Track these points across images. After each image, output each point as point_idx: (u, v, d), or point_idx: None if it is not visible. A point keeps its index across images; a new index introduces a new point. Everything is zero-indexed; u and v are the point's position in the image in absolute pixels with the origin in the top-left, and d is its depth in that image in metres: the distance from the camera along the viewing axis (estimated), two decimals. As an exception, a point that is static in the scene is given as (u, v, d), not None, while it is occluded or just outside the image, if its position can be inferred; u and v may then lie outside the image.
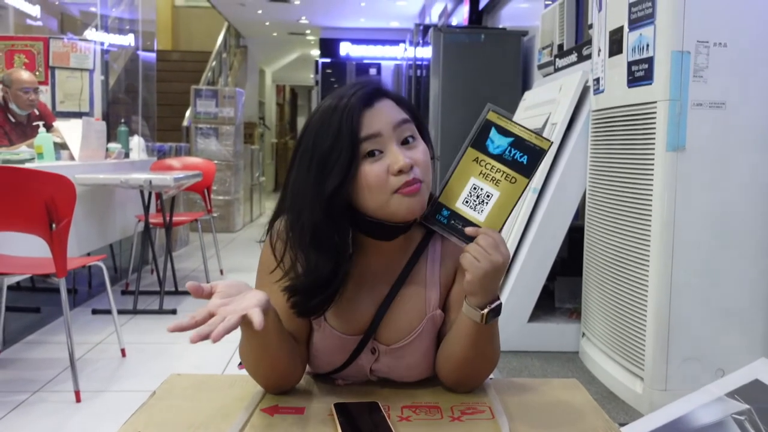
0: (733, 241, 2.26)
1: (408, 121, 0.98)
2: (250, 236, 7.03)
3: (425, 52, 7.04)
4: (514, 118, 0.95)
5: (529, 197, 3.05)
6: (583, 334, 2.91)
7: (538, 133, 0.93)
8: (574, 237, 3.09)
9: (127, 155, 4.39)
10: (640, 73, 2.32)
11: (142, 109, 6.20)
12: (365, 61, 10.99)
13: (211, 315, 0.86)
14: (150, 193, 3.83)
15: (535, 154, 0.92)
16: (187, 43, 11.48)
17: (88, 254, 3.59)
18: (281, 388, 1.02)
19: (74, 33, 6.03)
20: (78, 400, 2.46)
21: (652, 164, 2.27)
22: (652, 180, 2.27)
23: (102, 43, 5.36)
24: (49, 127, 3.84)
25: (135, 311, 3.71)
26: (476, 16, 6.84)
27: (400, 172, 0.93)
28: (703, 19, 2.17)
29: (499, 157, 0.93)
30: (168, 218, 3.99)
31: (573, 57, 3.47)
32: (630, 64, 2.37)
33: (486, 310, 0.93)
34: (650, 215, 2.28)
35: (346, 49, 11.14)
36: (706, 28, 2.17)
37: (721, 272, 2.26)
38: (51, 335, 3.28)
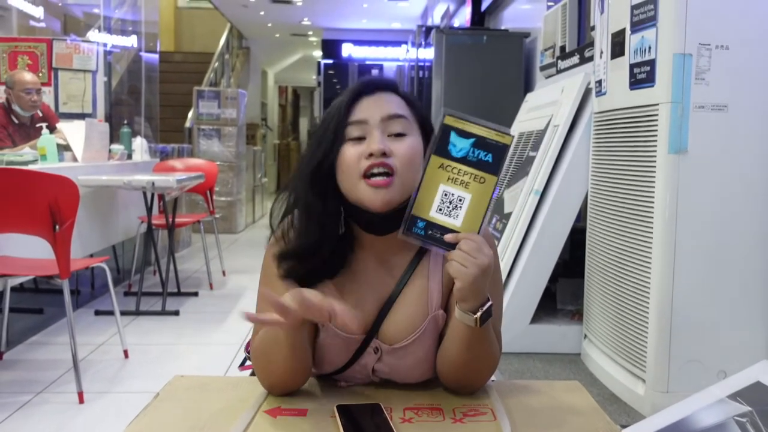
0: (735, 244, 2.26)
1: (401, 117, 1.00)
2: (253, 237, 7.04)
3: (427, 54, 7.04)
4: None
5: (531, 199, 3.05)
6: (585, 336, 2.91)
7: (497, 128, 0.92)
8: (576, 239, 3.09)
9: (129, 156, 4.40)
10: (642, 76, 2.32)
11: (145, 111, 6.21)
12: (367, 63, 11.00)
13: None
14: (153, 195, 3.84)
15: (499, 151, 0.92)
16: (189, 44, 11.49)
17: (91, 255, 3.60)
18: (288, 390, 1.03)
19: (77, 34, 6.04)
20: (81, 401, 2.47)
21: (654, 166, 2.27)
22: (654, 182, 2.27)
23: (105, 45, 5.37)
24: (52, 129, 3.85)
25: (138, 312, 3.72)
26: (478, 17, 6.84)
27: (371, 155, 0.96)
28: (705, 22, 2.17)
29: (463, 160, 0.92)
30: (170, 219, 4.00)
31: (575, 59, 3.47)
32: (632, 66, 2.38)
33: (479, 314, 0.93)
34: (652, 217, 2.28)
35: (348, 50, 11.15)
36: (708, 30, 2.18)
37: (723, 274, 2.26)
38: (54, 336, 3.29)
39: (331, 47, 11.22)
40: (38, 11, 6.42)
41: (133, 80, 6.31)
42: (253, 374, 1.09)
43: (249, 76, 11.98)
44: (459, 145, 0.92)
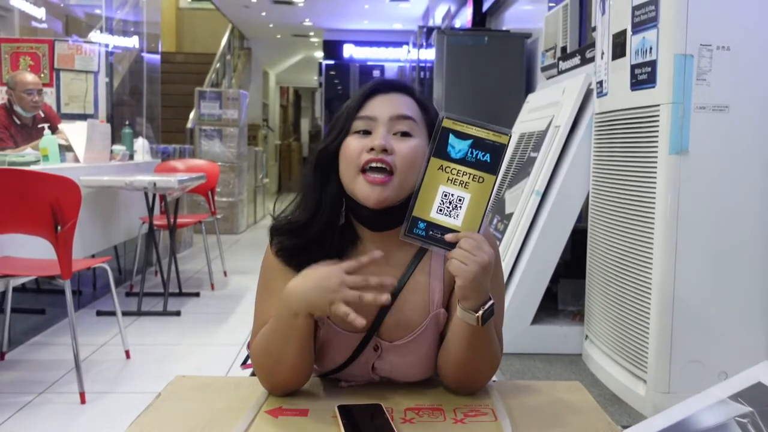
0: (737, 244, 2.26)
1: (409, 119, 1.02)
2: (254, 238, 7.05)
3: (429, 54, 7.05)
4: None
5: (532, 200, 3.06)
6: (586, 336, 2.91)
7: (495, 128, 0.95)
8: (577, 239, 3.10)
9: (131, 157, 4.41)
10: (643, 77, 2.32)
11: (147, 111, 6.22)
12: (369, 63, 11.01)
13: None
14: (154, 195, 3.85)
15: (497, 150, 0.94)
16: (191, 45, 11.50)
17: (93, 256, 3.61)
18: (291, 390, 1.03)
19: (79, 35, 6.06)
20: (83, 401, 2.47)
21: (655, 167, 2.27)
22: (655, 183, 2.27)
23: (107, 45, 5.39)
24: (54, 129, 3.85)
25: (139, 313, 3.72)
26: (480, 18, 6.84)
27: (371, 149, 0.99)
28: (706, 23, 2.17)
29: (462, 161, 0.94)
30: (172, 220, 4.00)
31: (576, 60, 3.47)
32: (633, 67, 2.38)
33: (480, 312, 0.94)
34: (653, 218, 2.28)
35: (349, 51, 11.15)
36: (709, 31, 2.18)
37: (724, 275, 2.26)
38: (56, 337, 3.29)
39: (332, 48, 11.23)
40: (40, 12, 6.43)
41: (135, 81, 6.33)
42: (254, 374, 1.10)
43: (250, 77, 11.99)
44: (458, 147, 0.94)
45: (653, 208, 2.28)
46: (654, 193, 2.28)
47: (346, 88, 10.79)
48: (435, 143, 0.94)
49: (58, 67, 4.76)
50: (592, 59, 3.05)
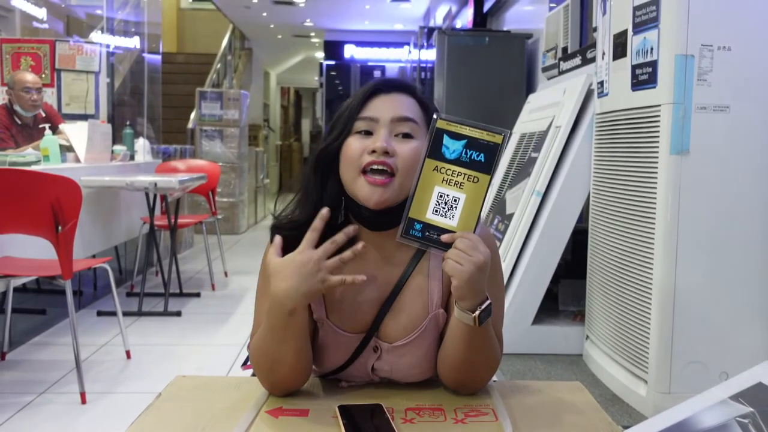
0: (737, 245, 2.26)
1: (410, 121, 1.02)
2: (255, 238, 7.05)
3: (429, 55, 7.05)
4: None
5: (533, 200, 3.05)
6: (587, 336, 2.91)
7: (488, 128, 0.95)
8: (578, 239, 3.09)
9: (132, 157, 4.41)
10: (644, 77, 2.32)
11: (147, 111, 6.23)
12: (369, 64, 11.01)
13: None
14: (155, 196, 3.85)
15: (491, 150, 0.94)
16: (192, 45, 11.51)
17: (94, 256, 3.61)
18: (291, 389, 1.03)
19: (80, 35, 6.06)
20: (83, 401, 2.47)
21: (656, 167, 2.27)
22: (656, 183, 2.27)
23: (108, 46, 5.39)
24: (55, 129, 3.85)
25: (140, 313, 3.73)
26: (480, 18, 6.84)
27: (373, 151, 0.99)
28: (707, 23, 2.17)
29: (457, 161, 0.95)
30: (173, 220, 4.00)
31: (577, 60, 3.47)
32: (634, 67, 2.38)
33: (477, 312, 0.94)
34: (654, 218, 2.28)
35: (350, 51, 11.16)
36: (710, 31, 2.18)
37: (725, 275, 2.26)
38: (56, 337, 3.29)
39: (333, 48, 11.23)
40: (41, 12, 6.44)
41: (136, 81, 6.33)
42: (254, 375, 1.10)
43: (251, 77, 11.99)
44: (452, 147, 0.95)
45: (654, 208, 2.28)
46: (655, 193, 2.28)
47: (347, 88, 10.80)
48: (430, 144, 0.95)
49: (59, 67, 4.76)
50: (592, 60, 3.05)
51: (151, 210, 3.83)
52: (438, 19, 9.24)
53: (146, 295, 3.87)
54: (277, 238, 0.98)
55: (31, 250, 2.78)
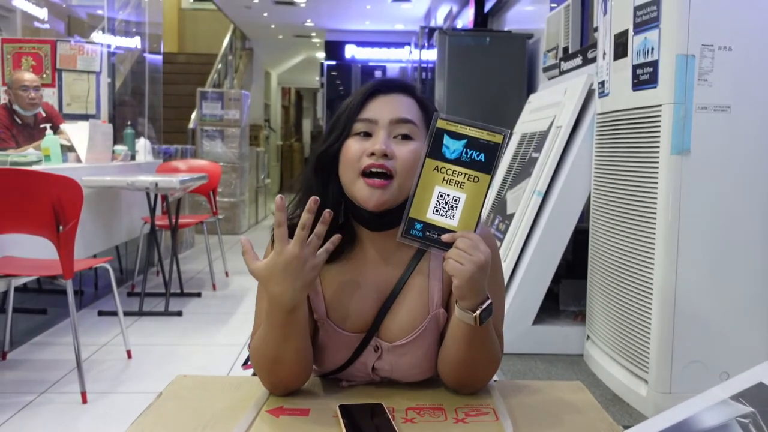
0: (738, 245, 2.26)
1: (409, 122, 1.02)
2: (256, 238, 7.04)
3: (430, 55, 7.05)
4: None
5: (534, 200, 3.05)
6: (588, 336, 2.91)
7: (488, 128, 0.95)
8: (579, 239, 3.09)
9: (133, 157, 4.41)
10: (645, 77, 2.32)
11: (148, 112, 6.23)
12: (370, 64, 11.01)
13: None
14: (156, 196, 3.85)
15: (491, 149, 0.94)
16: (193, 45, 11.51)
17: (95, 256, 3.61)
18: (291, 389, 1.03)
19: (81, 36, 6.06)
20: (84, 401, 2.48)
21: (657, 167, 2.27)
22: (656, 183, 2.27)
23: (109, 46, 5.39)
24: (56, 128, 3.86)
25: (141, 313, 3.73)
26: (481, 18, 6.84)
27: (372, 154, 0.99)
28: (707, 23, 2.17)
29: (457, 161, 0.95)
30: (174, 220, 4.01)
31: (578, 60, 3.47)
32: (635, 67, 2.38)
33: (478, 312, 0.94)
34: (655, 218, 2.28)
35: (351, 51, 11.16)
36: (711, 31, 2.18)
37: (726, 275, 2.26)
38: (57, 337, 3.30)
39: (334, 49, 11.23)
40: (42, 12, 6.44)
41: (137, 81, 6.33)
42: (255, 374, 1.10)
43: (252, 78, 12.00)
44: (452, 147, 0.95)
45: (655, 208, 2.28)
46: (655, 193, 2.28)
47: (348, 88, 10.79)
48: (430, 144, 0.95)
49: (60, 67, 4.77)
50: (593, 59, 3.05)
51: (152, 210, 3.83)
52: (439, 19, 9.24)
53: (147, 295, 3.87)
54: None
55: (32, 250, 2.78)
